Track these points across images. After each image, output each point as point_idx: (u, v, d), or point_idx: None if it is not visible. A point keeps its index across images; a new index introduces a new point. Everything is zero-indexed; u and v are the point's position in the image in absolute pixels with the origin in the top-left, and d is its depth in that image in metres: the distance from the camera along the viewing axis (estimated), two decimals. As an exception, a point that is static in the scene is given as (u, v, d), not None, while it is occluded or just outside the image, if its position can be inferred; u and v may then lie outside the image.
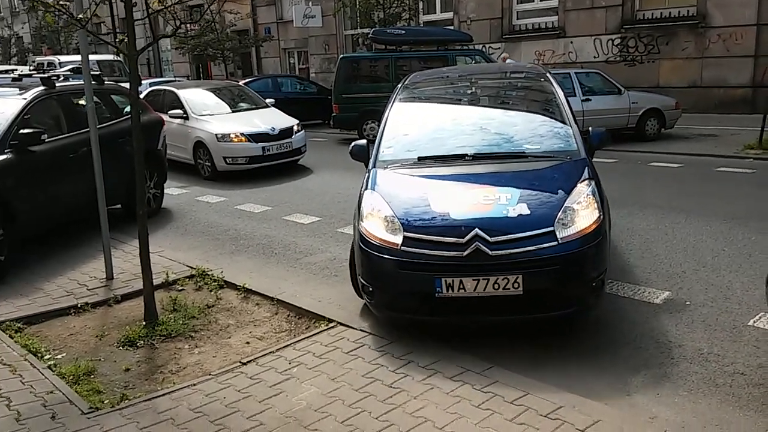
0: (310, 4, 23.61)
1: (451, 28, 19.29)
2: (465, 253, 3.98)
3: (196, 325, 4.81)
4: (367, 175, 5.01)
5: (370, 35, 15.48)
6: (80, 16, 4.43)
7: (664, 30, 15.97)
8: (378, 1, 18.43)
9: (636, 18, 16.57)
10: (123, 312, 5.16)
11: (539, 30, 18.42)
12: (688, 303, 4.69)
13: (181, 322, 4.83)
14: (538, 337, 4.31)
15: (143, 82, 20.03)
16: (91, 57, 18.95)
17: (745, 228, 6.33)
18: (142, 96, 12.04)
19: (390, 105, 5.61)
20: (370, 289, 4.38)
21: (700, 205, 7.37)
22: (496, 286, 3.93)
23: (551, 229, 4.06)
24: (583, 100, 12.02)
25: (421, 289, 4.08)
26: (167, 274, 5.73)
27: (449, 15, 20.30)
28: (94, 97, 7.78)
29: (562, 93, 5.57)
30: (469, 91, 6.20)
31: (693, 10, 15.51)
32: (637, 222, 6.65)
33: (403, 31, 15.56)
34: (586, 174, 4.57)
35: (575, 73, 12.71)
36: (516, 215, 4.15)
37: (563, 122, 5.21)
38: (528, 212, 4.17)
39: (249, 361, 4.13)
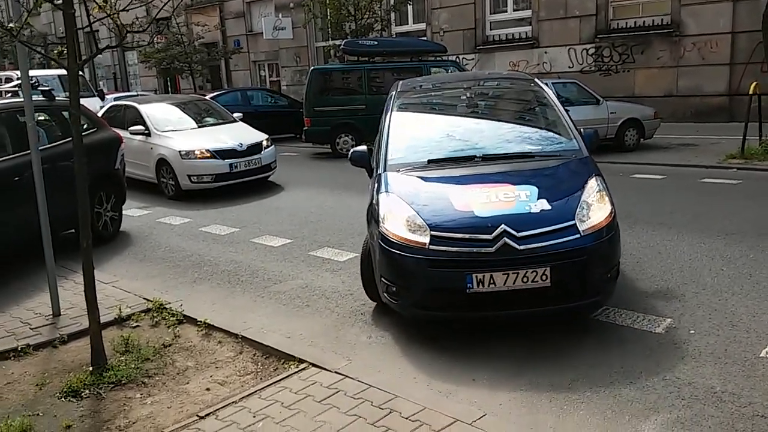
0: (280, 15, 23.19)
1: (425, 38, 19.01)
2: (494, 249, 4.10)
3: (150, 369, 4.28)
4: (377, 179, 5.07)
5: (342, 47, 15.08)
6: (11, 25, 3.90)
7: (639, 39, 15.86)
8: (349, 12, 18.05)
9: (610, 27, 16.44)
10: (69, 354, 4.61)
11: (513, 40, 18.22)
12: (692, 332, 4.30)
13: (133, 365, 4.30)
14: (532, 375, 3.88)
15: (108, 96, 19.40)
16: (52, 72, 18.35)
17: (741, 245, 6.00)
18: (100, 112, 11.47)
19: (389, 111, 5.65)
20: (394, 289, 4.39)
21: (690, 220, 7.04)
22: (525, 279, 4.05)
23: (573, 222, 4.23)
24: (561, 111, 11.72)
25: (452, 285, 4.15)
26: (120, 308, 5.18)
27: (422, 26, 20.04)
28: (44, 115, 7.30)
29: (554, 95, 5.77)
30: (463, 97, 6.25)
31: (667, 18, 15.42)
32: (627, 239, 6.23)
33: (376, 42, 15.21)
34: (593, 170, 4.81)
35: (552, 83, 12.40)
36: (538, 210, 4.30)
37: (562, 123, 5.42)
38: (549, 207, 4.31)
39: (208, 414, 3.62)
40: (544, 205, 4.33)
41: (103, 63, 33.64)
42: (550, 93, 5.79)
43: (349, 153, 5.78)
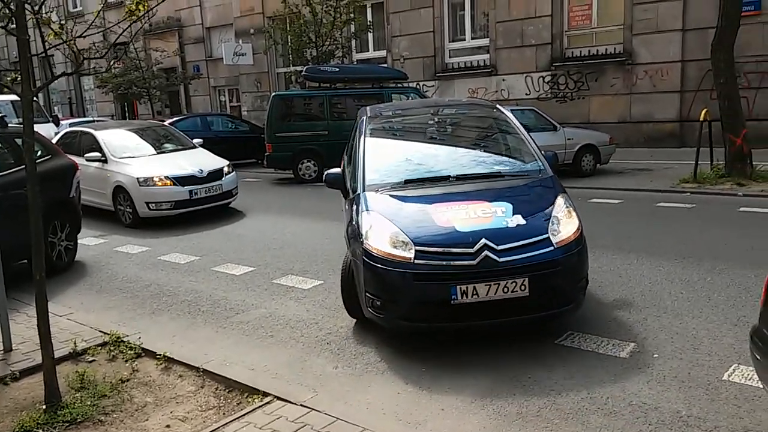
0: (240, 41, 23.15)
1: (385, 66, 19.20)
2: (476, 262, 4.32)
3: (107, 406, 4.12)
4: (355, 199, 5.25)
5: (304, 73, 15.11)
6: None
7: (593, 67, 16.32)
8: (310, 39, 18.14)
9: (565, 56, 16.90)
10: (21, 392, 4.40)
11: (472, 68, 18.55)
12: (655, 356, 4.35)
13: (89, 402, 4.13)
14: (500, 403, 3.85)
15: (63, 122, 18.93)
16: (5, 97, 17.86)
17: (698, 268, 6.14)
18: (55, 139, 11.20)
19: (362, 135, 5.83)
20: (379, 303, 4.53)
21: (648, 244, 7.19)
22: (506, 289, 4.29)
23: (547, 236, 4.52)
24: (520, 137, 11.91)
25: (437, 297, 4.33)
26: (75, 342, 4.99)
27: (383, 53, 20.26)
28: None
29: (516, 120, 6.07)
30: (431, 121, 6.53)
31: (620, 47, 15.92)
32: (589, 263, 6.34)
33: (337, 69, 15.29)
34: (560, 189, 5.16)
35: (511, 110, 12.62)
36: (515, 225, 4.57)
37: (526, 145, 5.75)
38: (524, 222, 4.60)
39: (168, 453, 3.49)
40: (519, 220, 4.61)
41: (57, 88, 32.95)
42: (513, 118, 6.11)
43: (324, 175, 6.05)
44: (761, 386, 3.49)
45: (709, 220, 8.29)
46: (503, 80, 17.80)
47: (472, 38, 18.76)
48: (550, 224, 4.62)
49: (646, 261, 6.48)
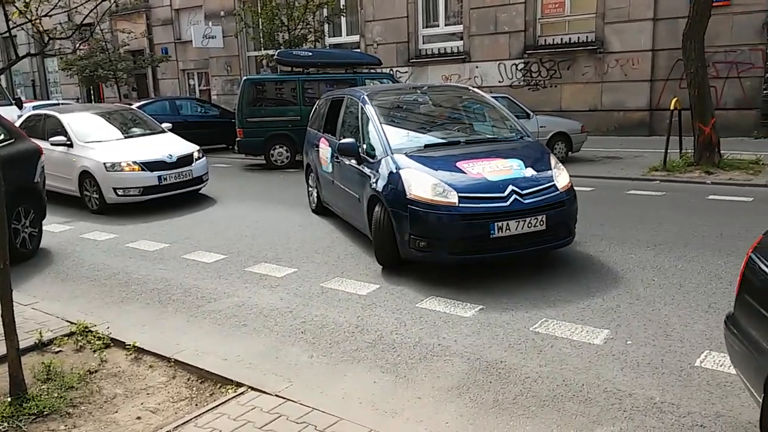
0: (210, 24, 22.73)
1: (358, 51, 19.04)
2: (508, 204, 5.47)
3: (74, 398, 4.00)
4: (383, 161, 6.12)
5: (276, 57, 14.88)
6: None
7: (565, 55, 16.40)
8: (282, 23, 17.87)
9: (538, 43, 16.95)
10: (-17, 384, 4.25)
11: (445, 54, 18.51)
12: (629, 342, 4.38)
13: (56, 394, 4.00)
14: (476, 391, 3.84)
15: (26, 105, 18.39)
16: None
17: (669, 255, 6.21)
18: (18, 122, 10.86)
19: (368, 108, 6.79)
20: (423, 243, 5.55)
21: (620, 231, 7.25)
22: (530, 225, 5.49)
23: (553, 183, 5.78)
24: (493, 124, 11.94)
25: (479, 233, 5.43)
26: (41, 332, 4.83)
27: (356, 38, 20.09)
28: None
29: (491, 98, 7.47)
30: (421, 99, 7.52)
31: (592, 36, 16.02)
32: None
33: (310, 53, 15.08)
34: (548, 150, 6.55)
35: (485, 96, 12.62)
36: (530, 175, 5.76)
37: (508, 118, 7.14)
38: (535, 173, 5.81)
39: (139, 446, 3.40)
40: (531, 171, 5.79)
41: (20, 70, 32.07)
42: (488, 96, 7.52)
43: (337, 144, 6.92)
44: (733, 372, 3.54)
45: (679, 208, 8.40)
46: (477, 67, 17.80)
47: (446, 24, 18.71)
48: (553, 174, 5.83)
49: (618, 248, 6.53)
